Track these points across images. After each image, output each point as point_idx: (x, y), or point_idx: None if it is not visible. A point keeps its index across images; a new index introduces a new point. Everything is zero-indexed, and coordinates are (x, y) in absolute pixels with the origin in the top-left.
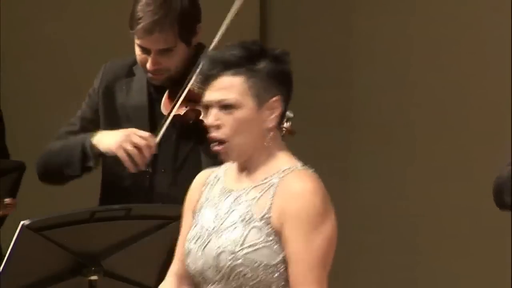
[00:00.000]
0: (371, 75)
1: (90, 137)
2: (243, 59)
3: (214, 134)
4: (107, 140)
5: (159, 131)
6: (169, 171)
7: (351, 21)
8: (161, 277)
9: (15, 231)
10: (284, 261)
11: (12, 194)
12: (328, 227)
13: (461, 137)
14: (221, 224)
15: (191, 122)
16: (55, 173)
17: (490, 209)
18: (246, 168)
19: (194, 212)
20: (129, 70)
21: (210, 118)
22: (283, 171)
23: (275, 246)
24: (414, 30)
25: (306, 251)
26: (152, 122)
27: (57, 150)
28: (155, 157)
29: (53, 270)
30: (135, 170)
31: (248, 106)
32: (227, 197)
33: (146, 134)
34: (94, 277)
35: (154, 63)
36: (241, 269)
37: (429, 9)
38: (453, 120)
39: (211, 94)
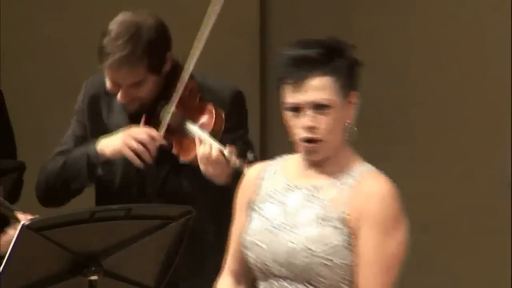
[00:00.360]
0: (371, 75)
1: (92, 145)
2: (326, 57)
3: (309, 135)
4: (110, 143)
5: (162, 123)
6: (154, 190)
7: (351, 21)
8: (161, 277)
9: (15, 231)
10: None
11: (15, 194)
12: (402, 233)
13: (461, 137)
14: (292, 220)
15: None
16: (59, 190)
17: (490, 209)
18: (316, 165)
19: (249, 206)
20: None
21: (307, 120)
22: (357, 171)
23: (351, 246)
24: (414, 30)
25: (379, 255)
26: None
27: (59, 167)
28: (142, 177)
29: (53, 270)
30: (143, 166)
31: (338, 105)
32: (294, 193)
33: (146, 129)
34: (94, 277)
35: (124, 96)
36: (316, 267)
37: (429, 9)
38: (453, 120)
39: (304, 95)
